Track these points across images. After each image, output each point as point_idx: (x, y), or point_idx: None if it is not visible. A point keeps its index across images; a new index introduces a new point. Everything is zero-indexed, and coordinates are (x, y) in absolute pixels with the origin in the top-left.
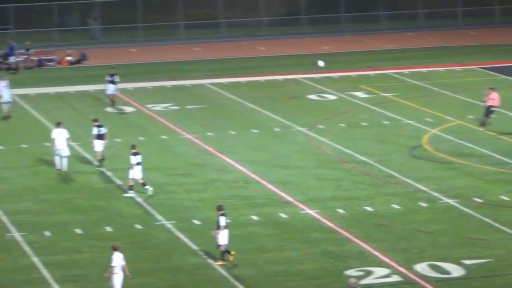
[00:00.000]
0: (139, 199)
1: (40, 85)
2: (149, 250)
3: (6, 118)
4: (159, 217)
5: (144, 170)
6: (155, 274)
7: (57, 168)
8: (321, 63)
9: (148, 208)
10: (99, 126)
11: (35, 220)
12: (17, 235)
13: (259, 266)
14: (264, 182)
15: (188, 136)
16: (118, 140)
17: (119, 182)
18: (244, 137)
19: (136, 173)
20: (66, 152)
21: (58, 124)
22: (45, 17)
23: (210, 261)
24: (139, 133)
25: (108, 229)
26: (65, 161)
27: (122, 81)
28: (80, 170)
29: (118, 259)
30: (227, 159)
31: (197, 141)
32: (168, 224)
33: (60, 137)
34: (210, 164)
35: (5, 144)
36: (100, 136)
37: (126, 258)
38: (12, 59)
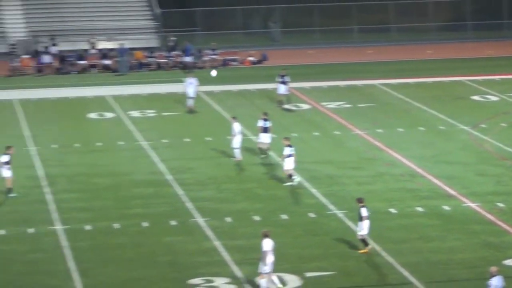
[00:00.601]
0: (313, 190)
1: (224, 82)
2: (321, 237)
3: (190, 112)
4: (331, 207)
5: (317, 163)
6: (326, 259)
7: (236, 160)
8: (213, 73)
9: (322, 198)
10: (265, 120)
11: (217, 207)
12: (201, 220)
13: (423, 254)
14: (429, 177)
15: (359, 132)
16: (294, 135)
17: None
18: (411, 134)
19: (287, 164)
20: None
21: (234, 118)
22: (230, 20)
23: (378, 248)
24: (314, 128)
25: (284, 216)
26: (238, 152)
27: (300, 81)
28: (259, 162)
29: (268, 245)
30: (395, 154)
31: (368, 137)
32: (340, 214)
33: (236, 130)
34: (379, 158)
35: (191, 137)
36: (265, 129)
37: (300, 244)
38: (187, 59)
